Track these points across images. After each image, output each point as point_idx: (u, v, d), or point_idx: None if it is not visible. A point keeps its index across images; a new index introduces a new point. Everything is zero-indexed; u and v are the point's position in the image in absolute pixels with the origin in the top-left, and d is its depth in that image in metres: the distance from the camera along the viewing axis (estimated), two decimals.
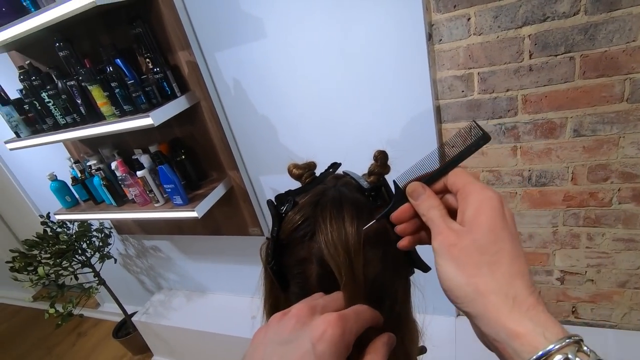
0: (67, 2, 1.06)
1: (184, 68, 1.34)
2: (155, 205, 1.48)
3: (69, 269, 1.95)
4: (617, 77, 0.97)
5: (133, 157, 1.51)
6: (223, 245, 1.89)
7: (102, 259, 2.05)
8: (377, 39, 1.10)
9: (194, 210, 1.37)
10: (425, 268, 0.47)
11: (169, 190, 1.40)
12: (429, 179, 0.35)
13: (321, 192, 0.44)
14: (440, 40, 1.07)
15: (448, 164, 0.34)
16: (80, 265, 1.99)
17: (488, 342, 0.29)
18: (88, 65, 1.28)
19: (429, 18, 1.05)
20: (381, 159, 0.49)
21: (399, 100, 1.18)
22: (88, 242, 2.01)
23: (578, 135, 1.07)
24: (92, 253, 2.02)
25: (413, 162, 0.37)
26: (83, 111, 1.36)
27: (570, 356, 0.23)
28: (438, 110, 1.18)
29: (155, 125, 1.22)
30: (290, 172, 0.48)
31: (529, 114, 1.08)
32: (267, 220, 1.65)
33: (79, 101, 1.33)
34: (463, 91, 1.12)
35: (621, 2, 0.89)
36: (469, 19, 1.02)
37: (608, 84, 0.98)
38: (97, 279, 2.09)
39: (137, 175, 1.44)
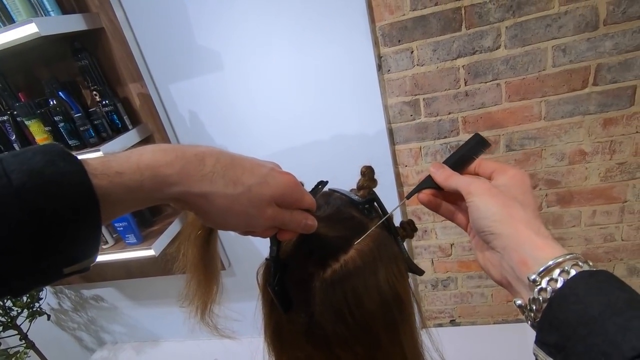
0: (5, 32, 0.99)
1: (135, 100, 1.30)
2: (104, 247, 1.36)
3: None
4: (535, 99, 1.15)
5: None
6: (178, 285, 1.76)
7: (31, 317, 1.78)
8: (332, 70, 1.18)
9: (150, 248, 1.29)
10: (420, 272, 0.51)
11: (121, 229, 1.30)
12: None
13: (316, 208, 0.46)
14: (389, 70, 1.19)
15: (458, 157, 0.43)
16: (1, 328, 1.71)
17: (503, 266, 0.35)
18: (23, 100, 1.18)
19: (377, 51, 1.16)
20: (368, 173, 0.54)
21: (355, 126, 1.26)
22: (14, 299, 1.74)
23: (510, 150, 1.23)
24: (19, 311, 1.75)
25: None
26: (17, 149, 1.23)
27: (580, 263, 0.30)
28: (391, 133, 1.28)
29: None
30: None
31: (469, 133, 1.23)
32: (226, 251, 1.59)
33: (12, 138, 1.21)
34: (412, 115, 1.24)
35: (531, 39, 1.08)
36: (412, 52, 1.15)
37: (529, 106, 1.16)
38: (24, 342, 1.80)
39: None
